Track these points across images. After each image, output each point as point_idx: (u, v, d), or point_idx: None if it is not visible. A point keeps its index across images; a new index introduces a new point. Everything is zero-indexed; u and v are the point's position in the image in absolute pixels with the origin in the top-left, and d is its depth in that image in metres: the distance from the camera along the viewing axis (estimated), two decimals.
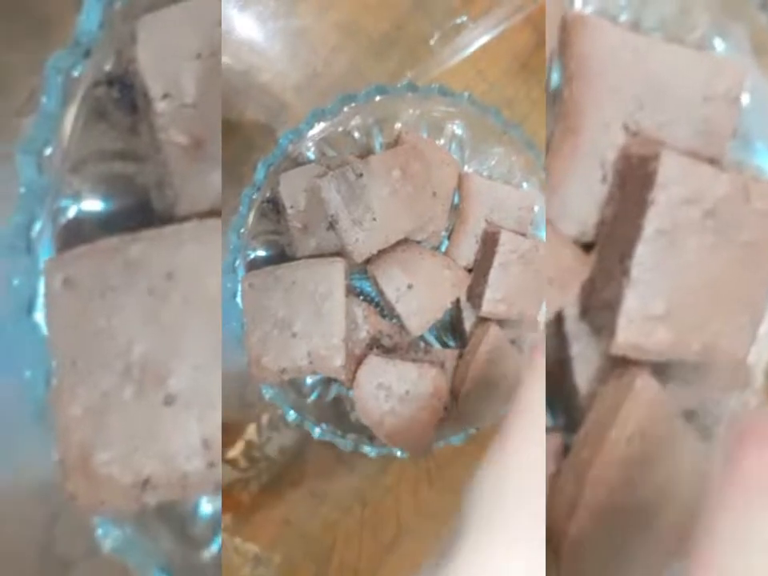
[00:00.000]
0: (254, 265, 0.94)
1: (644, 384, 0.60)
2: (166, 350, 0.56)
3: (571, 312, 0.65)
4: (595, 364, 0.65)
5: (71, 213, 0.59)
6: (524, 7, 1.10)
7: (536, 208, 1.01)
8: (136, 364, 0.55)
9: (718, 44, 0.67)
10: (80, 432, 0.55)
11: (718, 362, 0.62)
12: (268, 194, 0.94)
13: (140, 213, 0.60)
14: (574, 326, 0.64)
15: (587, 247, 0.66)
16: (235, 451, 1.01)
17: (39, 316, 0.57)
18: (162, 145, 0.57)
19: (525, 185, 1.04)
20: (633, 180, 0.62)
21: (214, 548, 0.65)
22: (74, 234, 0.58)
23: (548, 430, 0.66)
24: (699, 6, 0.65)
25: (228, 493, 1.00)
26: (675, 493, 0.60)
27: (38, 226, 0.57)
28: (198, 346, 0.56)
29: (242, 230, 0.92)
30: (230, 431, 1.01)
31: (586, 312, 0.65)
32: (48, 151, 0.56)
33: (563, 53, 0.64)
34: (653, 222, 0.57)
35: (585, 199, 0.64)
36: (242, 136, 0.99)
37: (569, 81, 0.63)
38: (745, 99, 0.66)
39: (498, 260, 0.92)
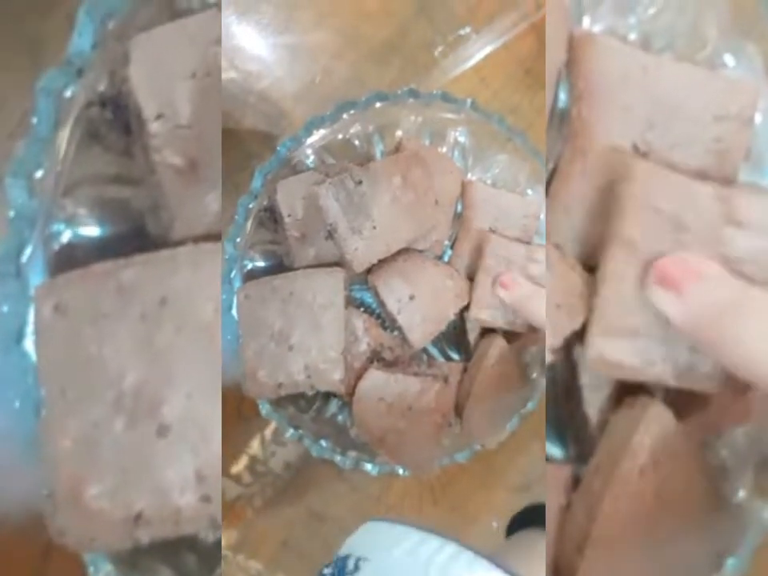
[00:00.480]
0: (251, 276, 0.92)
1: (656, 413, 0.59)
2: (159, 378, 0.54)
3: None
4: (606, 392, 0.64)
5: (64, 238, 0.59)
6: (528, 16, 1.09)
7: (541, 216, 0.99)
8: (128, 393, 0.54)
9: (729, 61, 0.65)
10: (70, 465, 0.54)
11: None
12: (265, 203, 0.93)
13: (135, 238, 0.59)
14: (582, 353, 0.63)
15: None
16: (239, 466, 1.00)
17: (29, 344, 0.55)
18: (156, 167, 0.56)
19: (529, 192, 1.02)
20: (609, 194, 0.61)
21: None
22: (67, 260, 0.57)
23: (558, 462, 0.64)
24: (710, 24, 0.63)
25: (231, 508, 0.99)
26: (689, 524, 0.59)
27: (28, 251, 0.55)
28: (191, 374, 0.55)
29: (239, 240, 0.91)
30: (234, 446, 1.00)
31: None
32: (39, 174, 0.55)
33: (571, 71, 0.62)
34: (618, 236, 0.57)
35: (594, 222, 0.62)
36: (240, 144, 0.98)
37: (577, 100, 0.61)
38: (757, 119, 0.64)
39: (483, 267, 0.90)
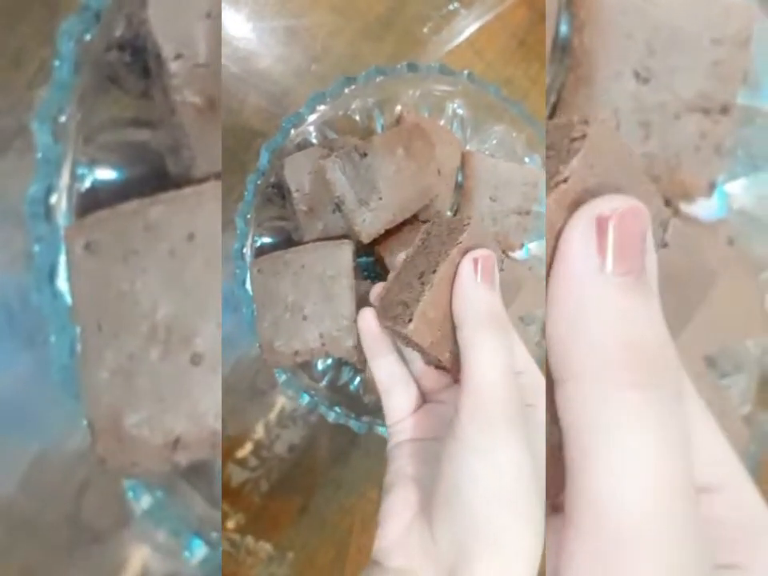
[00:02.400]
0: (261, 252, 0.93)
1: None
2: (190, 310, 0.55)
3: None
4: None
5: (88, 181, 0.59)
6: None
7: (540, 184, 1.00)
8: (161, 325, 0.55)
9: None
10: (109, 395, 0.55)
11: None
12: (272, 179, 0.94)
13: (155, 179, 0.60)
14: None
15: None
16: (244, 451, 1.01)
17: (61, 282, 0.56)
18: (177, 106, 0.57)
19: (527, 160, 1.03)
20: None
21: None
22: (93, 202, 0.58)
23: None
24: None
25: (238, 493, 1.00)
26: None
27: (56, 195, 0.56)
28: (220, 305, 0.55)
29: (249, 216, 0.92)
30: (238, 431, 1.01)
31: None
32: (63, 119, 0.56)
33: (572, 1, 0.64)
34: None
35: None
36: (244, 123, 0.99)
37: (579, 30, 0.63)
38: (756, 46, 0.66)
39: None
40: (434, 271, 0.57)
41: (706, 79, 0.64)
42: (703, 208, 0.68)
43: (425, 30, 1.07)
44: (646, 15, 0.62)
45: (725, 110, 0.63)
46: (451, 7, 1.09)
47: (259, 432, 1.02)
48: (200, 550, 0.59)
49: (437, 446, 0.60)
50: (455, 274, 0.57)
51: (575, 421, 0.36)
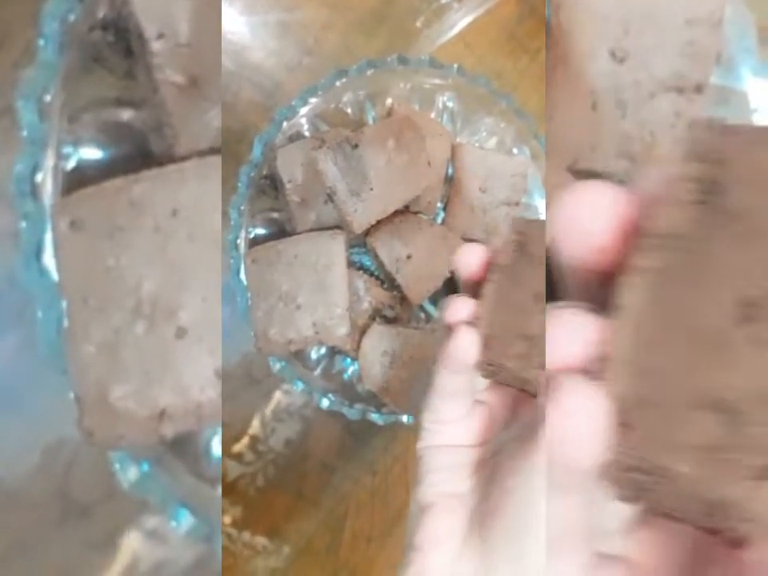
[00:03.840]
0: (254, 243, 0.94)
1: None
2: (174, 285, 0.57)
3: None
4: None
5: (73, 160, 0.60)
6: None
7: (529, 175, 1.01)
8: (146, 300, 0.56)
9: None
10: (95, 369, 0.56)
11: None
12: (265, 171, 0.95)
13: (139, 158, 0.61)
14: None
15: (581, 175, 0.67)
16: (240, 445, 1.01)
17: (47, 259, 0.57)
18: (159, 85, 0.58)
19: (515, 151, 1.05)
20: None
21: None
22: (78, 181, 0.59)
23: None
24: None
25: (234, 487, 1.01)
26: None
27: (41, 173, 0.57)
28: (205, 280, 0.56)
29: (242, 208, 0.93)
30: (234, 426, 1.02)
31: None
32: (47, 98, 0.57)
33: None
34: None
35: (576, 127, 0.65)
36: (237, 116, 1.00)
37: (556, 10, 0.64)
38: (728, 27, 0.67)
39: None
40: None
41: (680, 59, 0.65)
42: None
43: (417, 23, 1.08)
44: None
45: (698, 89, 0.64)
46: (443, 0, 1.10)
47: (255, 426, 1.02)
48: (187, 521, 0.60)
49: (478, 456, 0.58)
50: None
51: None
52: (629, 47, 0.64)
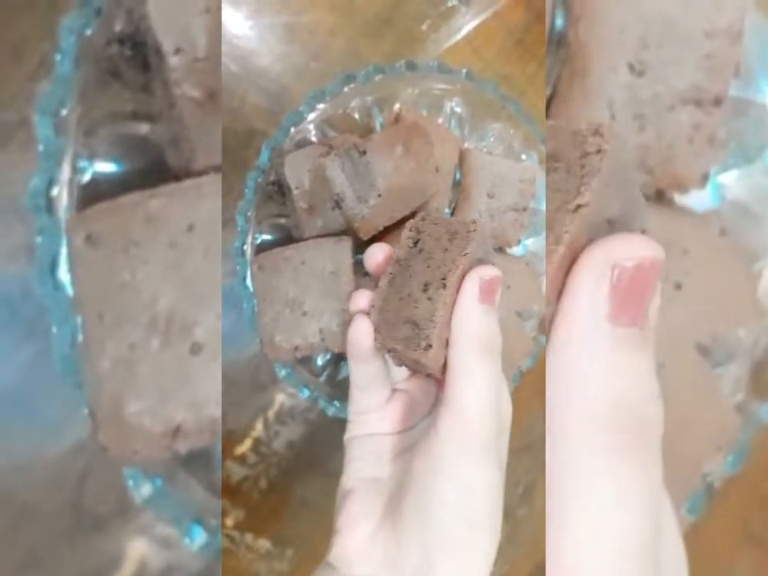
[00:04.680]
0: (261, 249, 0.94)
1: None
2: (190, 300, 0.56)
3: None
4: None
5: (89, 174, 0.60)
6: None
7: (537, 180, 1.01)
8: (161, 316, 0.56)
9: None
10: (110, 384, 0.56)
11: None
12: (272, 177, 0.95)
13: (155, 173, 0.61)
14: None
15: None
16: (243, 448, 1.01)
17: (62, 273, 0.57)
18: (176, 100, 0.58)
19: (523, 157, 1.05)
20: None
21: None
22: (93, 195, 0.59)
23: None
24: None
25: (237, 489, 1.01)
26: (692, 425, 0.61)
27: (57, 187, 0.57)
28: (220, 296, 0.56)
29: (249, 214, 0.93)
30: (239, 425, 1.02)
31: None
32: (64, 112, 0.57)
33: None
34: None
35: None
36: (244, 122, 1.00)
37: (574, 22, 0.64)
38: (748, 39, 0.66)
39: None
40: (444, 286, 0.54)
41: (698, 71, 0.64)
42: (696, 199, 0.69)
43: (423, 27, 1.08)
44: (640, 8, 0.63)
45: (717, 101, 0.64)
46: (450, 4, 1.09)
47: (258, 429, 1.02)
48: (200, 537, 0.60)
49: (399, 442, 0.63)
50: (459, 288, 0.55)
51: (558, 478, 0.37)
52: (648, 60, 0.64)
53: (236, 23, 0.99)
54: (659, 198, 0.67)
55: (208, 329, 0.56)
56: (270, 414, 1.03)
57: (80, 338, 0.57)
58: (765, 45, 0.69)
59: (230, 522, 1.00)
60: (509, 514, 1.01)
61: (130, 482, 0.59)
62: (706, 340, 0.67)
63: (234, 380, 0.97)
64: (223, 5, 0.93)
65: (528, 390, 1.03)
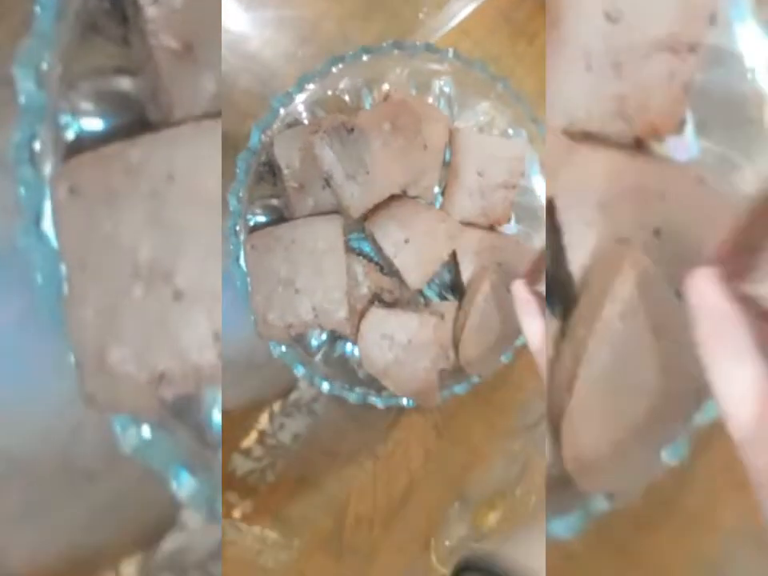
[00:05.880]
0: (254, 230, 0.95)
1: (634, 260, 0.61)
2: (170, 248, 0.57)
3: (562, 202, 0.66)
4: (587, 250, 0.66)
5: (72, 130, 0.61)
6: None
7: (526, 158, 1.02)
8: (143, 264, 0.56)
9: None
10: (94, 333, 0.56)
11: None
12: (263, 158, 0.96)
13: (138, 127, 0.62)
14: (565, 215, 0.65)
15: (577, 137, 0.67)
16: (249, 441, 1.02)
17: (47, 227, 0.58)
18: (154, 51, 0.58)
19: (510, 132, 1.05)
20: None
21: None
22: (76, 151, 0.59)
23: (546, 319, 0.67)
24: None
25: (244, 481, 1.01)
26: (670, 366, 0.61)
27: (39, 141, 0.58)
28: (200, 244, 0.57)
29: (241, 195, 0.93)
30: (242, 421, 1.02)
31: None
32: (44, 66, 0.57)
33: None
34: None
35: (571, 89, 0.65)
36: (235, 104, 1.00)
37: None
38: None
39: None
40: None
41: (673, 19, 0.65)
42: (675, 149, 0.69)
43: (420, 15, 1.08)
44: None
45: (692, 48, 0.65)
46: None
47: (263, 422, 1.03)
48: (188, 482, 0.60)
49: None
50: None
51: None
52: (623, 7, 0.64)
53: (225, 9, 1.00)
54: (638, 146, 0.67)
55: (189, 276, 0.57)
56: (275, 406, 1.03)
57: (65, 289, 0.57)
58: None
59: (236, 513, 1.01)
60: (507, 493, 1.03)
61: (118, 429, 0.59)
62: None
63: (230, 360, 0.97)
64: None
65: (523, 369, 1.03)
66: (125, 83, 0.63)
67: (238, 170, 0.93)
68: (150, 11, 0.57)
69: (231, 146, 0.95)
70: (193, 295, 0.57)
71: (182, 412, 0.63)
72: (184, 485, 0.60)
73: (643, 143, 0.67)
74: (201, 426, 0.66)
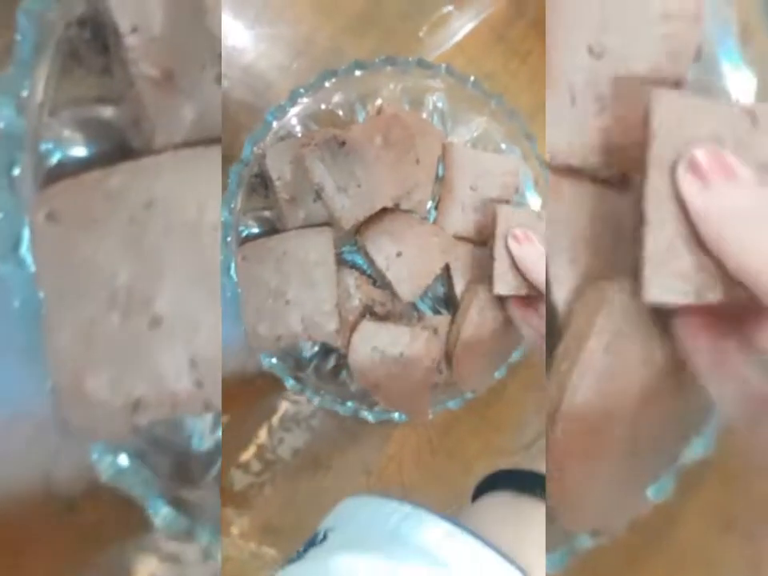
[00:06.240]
0: (247, 242, 0.95)
1: (617, 293, 0.61)
2: (148, 275, 0.57)
3: (547, 235, 0.66)
4: (571, 283, 0.66)
5: (54, 157, 0.61)
6: None
7: (520, 174, 1.02)
8: (121, 290, 0.57)
9: None
10: (71, 358, 0.56)
11: None
12: (256, 170, 0.96)
13: (120, 155, 0.62)
14: (549, 248, 0.65)
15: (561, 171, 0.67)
16: (247, 455, 1.02)
17: (26, 252, 0.58)
18: (135, 79, 0.59)
19: (503, 147, 1.06)
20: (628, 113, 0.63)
21: (210, 480, 0.66)
22: (56, 178, 0.59)
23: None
24: None
25: (243, 496, 1.01)
26: (655, 401, 0.61)
27: (19, 167, 0.58)
28: (179, 270, 0.58)
29: (233, 206, 0.94)
30: (241, 435, 1.02)
31: None
32: (25, 94, 0.57)
33: None
34: (654, 164, 0.57)
35: (556, 123, 0.65)
36: (228, 117, 1.00)
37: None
38: (709, 23, 0.67)
39: (498, 235, 0.92)
40: None
41: (657, 54, 0.65)
42: None
43: (420, 34, 1.08)
44: None
45: (677, 84, 0.65)
46: (444, 10, 1.10)
47: (262, 436, 1.03)
48: (165, 511, 0.60)
49: None
50: None
51: None
52: (606, 42, 0.64)
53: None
54: (622, 180, 0.67)
55: (167, 303, 0.57)
56: (274, 420, 1.03)
57: (43, 314, 0.57)
58: (726, 28, 0.69)
59: (234, 530, 1.01)
60: None
61: (95, 456, 0.59)
62: None
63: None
64: None
65: (517, 385, 1.03)
66: (106, 111, 0.63)
67: (230, 182, 0.93)
68: (130, 40, 0.57)
69: (224, 158, 0.95)
70: (170, 322, 0.57)
71: (160, 438, 0.63)
72: (161, 514, 0.60)
73: (627, 178, 0.67)
74: (181, 452, 0.66)
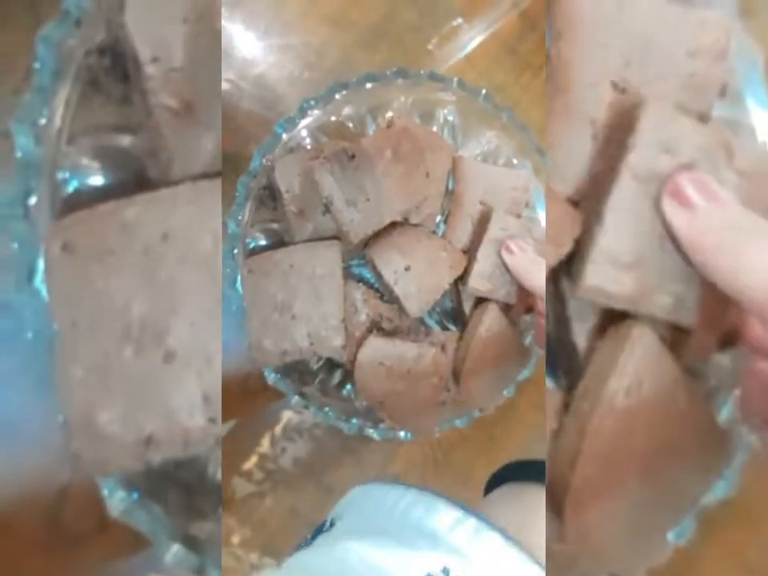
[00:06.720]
0: (254, 254, 0.94)
1: (640, 334, 0.60)
2: (163, 308, 0.57)
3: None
4: (592, 322, 0.65)
5: (70, 186, 0.61)
6: (519, 4, 1.12)
7: (530, 188, 1.01)
8: (135, 323, 0.56)
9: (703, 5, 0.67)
10: (83, 392, 0.56)
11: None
12: (264, 182, 0.95)
13: (137, 184, 0.61)
14: (569, 283, 0.64)
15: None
16: (249, 464, 1.01)
17: (40, 283, 0.57)
18: (154, 109, 0.58)
19: (515, 162, 1.05)
20: (618, 131, 0.62)
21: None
22: (74, 207, 0.59)
23: (549, 390, 0.66)
24: None
25: (244, 506, 1.01)
26: (676, 443, 0.61)
27: (36, 196, 0.57)
28: (194, 304, 0.57)
29: (240, 218, 0.93)
30: (244, 443, 1.02)
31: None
32: (43, 122, 0.57)
33: (550, 11, 0.64)
34: (630, 167, 0.57)
35: (576, 157, 0.64)
36: (238, 128, 1.00)
37: (556, 39, 0.63)
38: (735, 59, 0.66)
39: (487, 237, 0.92)
40: None
41: (682, 91, 0.64)
42: None
43: (429, 46, 1.08)
44: (621, 26, 0.63)
45: (702, 120, 0.64)
46: (455, 23, 1.10)
47: (264, 445, 1.02)
48: (175, 549, 0.60)
49: None
50: None
51: None
52: (630, 78, 0.63)
53: (231, 32, 1.00)
54: None
55: (181, 337, 0.57)
56: (277, 430, 1.03)
57: (57, 346, 0.57)
58: (752, 65, 0.68)
59: (235, 539, 1.01)
60: None
61: (105, 492, 0.59)
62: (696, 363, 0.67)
63: (224, 387, 0.97)
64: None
65: (526, 404, 1.03)
66: (124, 140, 0.62)
67: (238, 194, 0.93)
68: (150, 69, 0.57)
69: (233, 169, 0.94)
70: (184, 356, 0.57)
71: (171, 473, 0.63)
72: (171, 551, 0.59)
73: None
74: (192, 498, 0.66)
